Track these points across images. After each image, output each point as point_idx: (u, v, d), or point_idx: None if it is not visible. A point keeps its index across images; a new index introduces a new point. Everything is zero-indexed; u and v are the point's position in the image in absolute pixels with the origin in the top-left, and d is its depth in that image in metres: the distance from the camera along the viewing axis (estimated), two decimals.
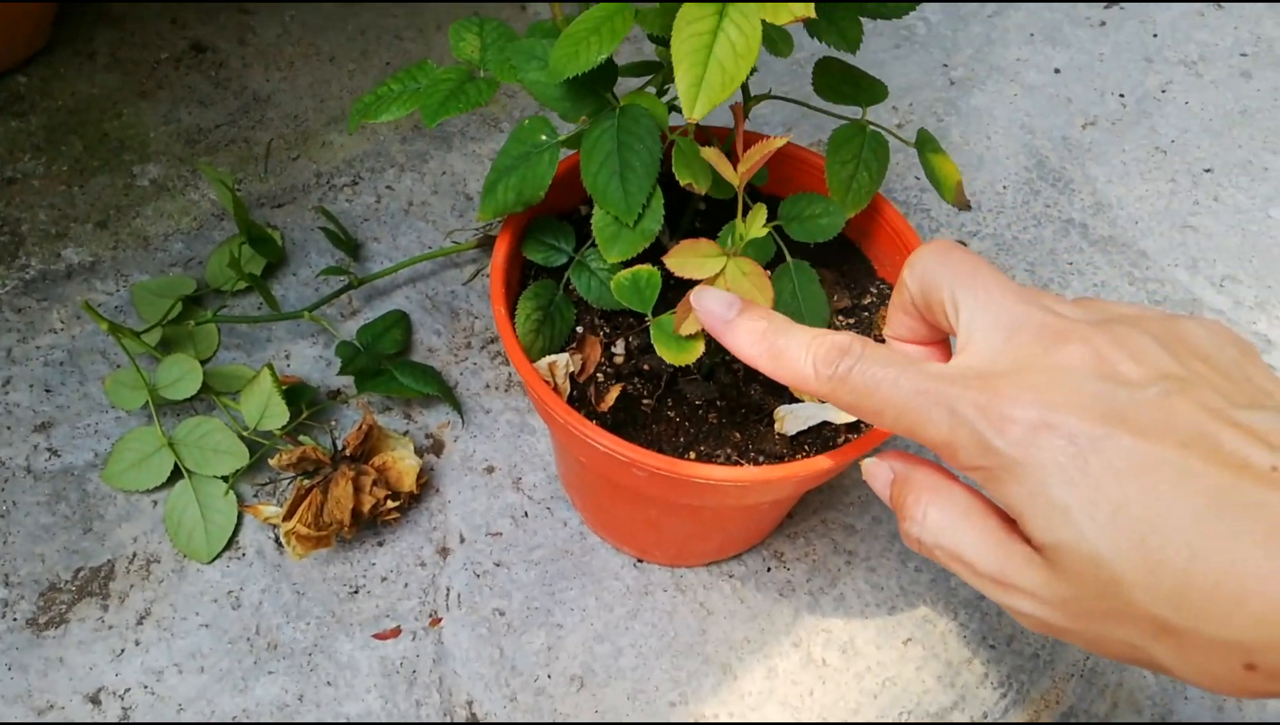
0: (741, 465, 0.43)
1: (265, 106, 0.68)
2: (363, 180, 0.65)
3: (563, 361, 0.43)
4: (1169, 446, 0.27)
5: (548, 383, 0.43)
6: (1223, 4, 0.81)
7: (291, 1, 0.75)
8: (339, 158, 0.66)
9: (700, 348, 0.40)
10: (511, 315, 0.44)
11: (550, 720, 0.47)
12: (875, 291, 0.49)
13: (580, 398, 0.44)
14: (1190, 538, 0.27)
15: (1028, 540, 0.30)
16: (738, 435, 0.44)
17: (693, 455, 0.43)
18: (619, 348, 0.46)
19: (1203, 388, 0.29)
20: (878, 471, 0.35)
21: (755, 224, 0.39)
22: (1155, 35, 0.78)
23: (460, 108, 0.44)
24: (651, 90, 0.45)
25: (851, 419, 0.44)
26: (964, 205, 0.48)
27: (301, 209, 0.64)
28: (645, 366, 0.45)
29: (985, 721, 0.48)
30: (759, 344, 0.36)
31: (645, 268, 0.42)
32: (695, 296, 0.38)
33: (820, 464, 0.40)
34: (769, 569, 0.52)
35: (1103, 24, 0.79)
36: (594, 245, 0.44)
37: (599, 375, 0.45)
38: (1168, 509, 0.27)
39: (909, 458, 0.35)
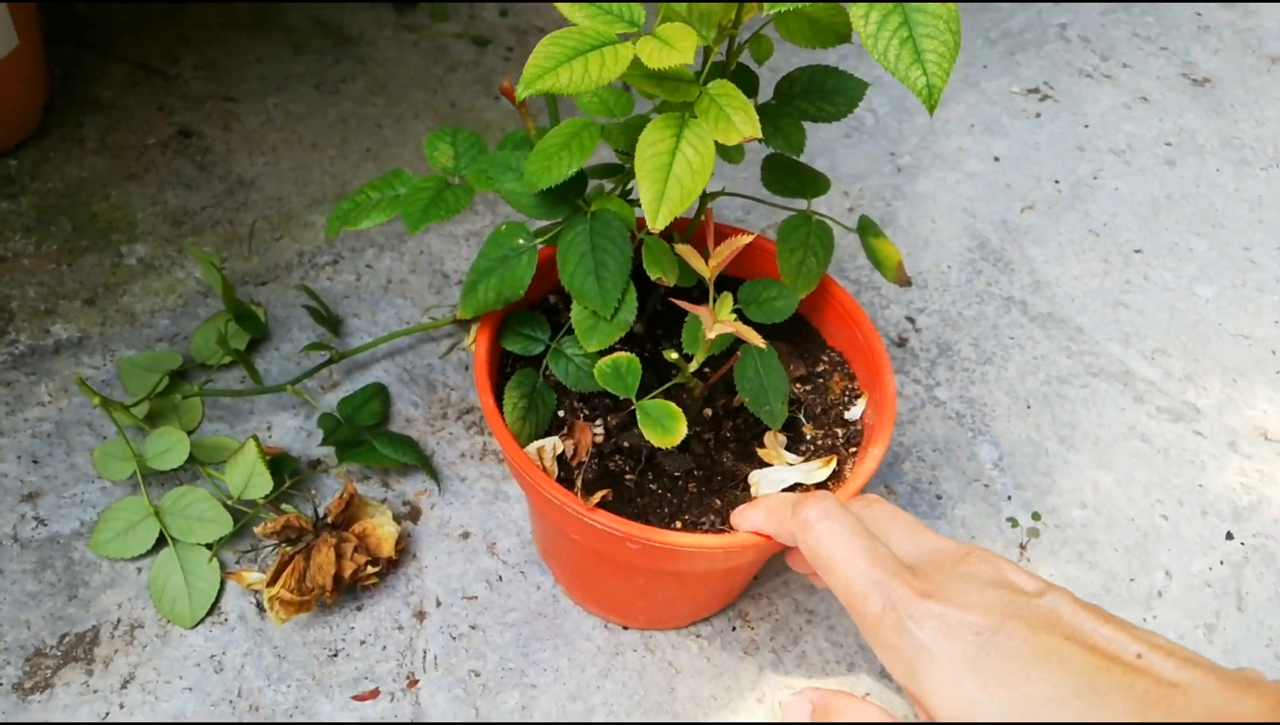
0: (725, 532, 0.46)
1: (249, 189, 0.72)
2: (343, 259, 0.69)
3: (550, 446, 0.46)
4: (1054, 639, 0.33)
5: (537, 466, 0.45)
6: (1148, 98, 0.87)
7: (275, 88, 0.79)
8: (320, 238, 0.69)
9: (683, 431, 0.43)
10: (499, 404, 0.47)
11: None
12: (827, 359, 0.53)
13: (567, 479, 0.47)
14: (1076, 712, 0.32)
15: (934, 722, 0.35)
16: (718, 502, 0.47)
17: (679, 524, 0.46)
18: (599, 427, 0.48)
19: (1081, 602, 0.35)
20: (797, 705, 0.41)
21: (724, 310, 0.43)
22: (1087, 126, 0.84)
23: (441, 215, 0.47)
24: (615, 190, 0.49)
25: (821, 478, 0.48)
26: (905, 282, 0.52)
27: (284, 287, 0.66)
28: (625, 443, 0.48)
29: None
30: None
31: (624, 355, 0.44)
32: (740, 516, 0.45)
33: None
34: (734, 628, 0.54)
35: (1038, 115, 0.85)
36: (569, 333, 0.47)
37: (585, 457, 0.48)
38: (1057, 689, 0.32)
39: (823, 690, 0.40)
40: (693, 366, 0.45)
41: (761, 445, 0.50)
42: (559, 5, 0.38)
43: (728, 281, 0.51)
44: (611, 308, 0.45)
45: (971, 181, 0.79)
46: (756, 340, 0.41)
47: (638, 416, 0.44)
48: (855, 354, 0.52)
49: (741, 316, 0.49)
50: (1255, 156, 0.83)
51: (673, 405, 0.44)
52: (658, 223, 0.39)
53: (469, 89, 0.81)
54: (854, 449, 0.50)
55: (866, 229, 0.51)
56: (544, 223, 0.46)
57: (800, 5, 0.36)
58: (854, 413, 0.51)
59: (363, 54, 0.82)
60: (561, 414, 0.49)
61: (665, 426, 0.43)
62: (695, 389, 0.47)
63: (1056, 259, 0.74)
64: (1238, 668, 0.34)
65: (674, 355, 0.45)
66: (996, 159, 0.81)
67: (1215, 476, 0.63)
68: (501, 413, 0.46)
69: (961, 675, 0.33)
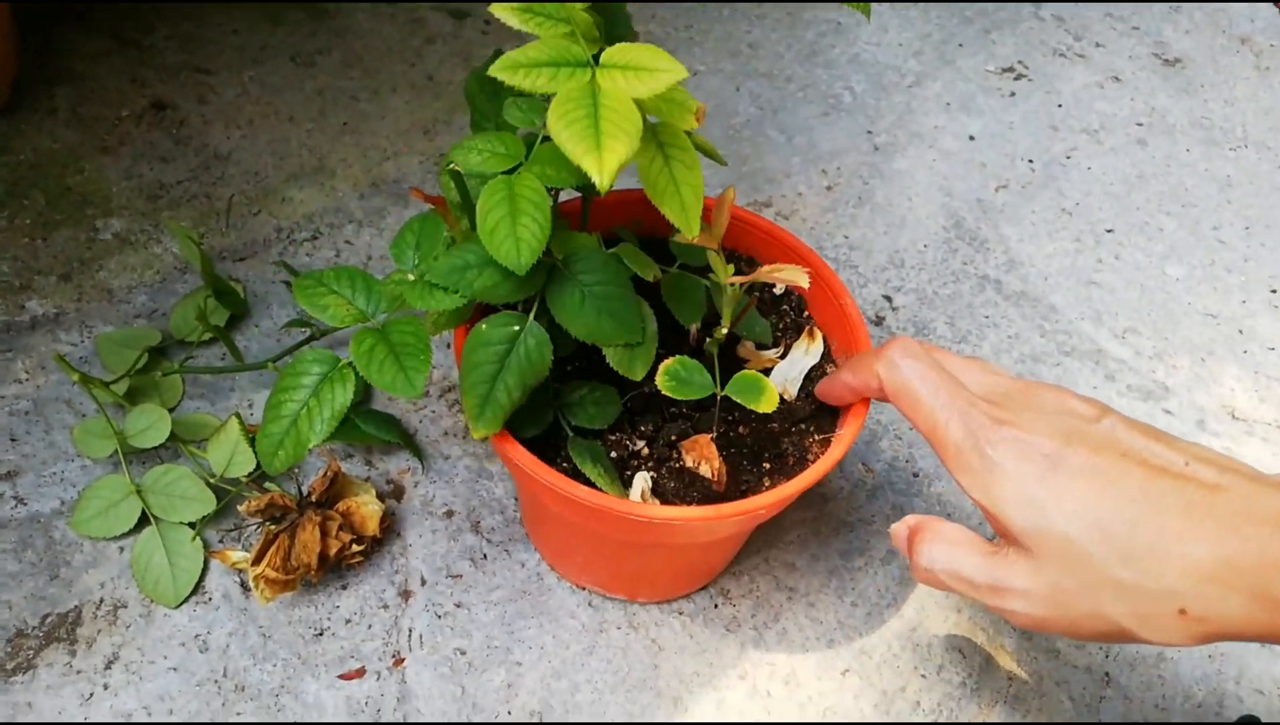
0: (824, 438, 0.49)
1: (225, 163, 0.71)
2: (322, 235, 0.68)
3: (644, 483, 0.46)
4: (1112, 457, 0.38)
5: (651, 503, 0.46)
6: (1120, 78, 0.88)
7: (250, 61, 0.78)
8: (299, 213, 0.69)
9: (773, 386, 0.45)
10: (585, 482, 0.45)
11: None
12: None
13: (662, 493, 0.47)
14: (1130, 515, 0.37)
15: (1007, 536, 0.39)
16: (774, 426, 0.49)
17: (767, 466, 0.48)
18: (640, 445, 0.48)
19: (1132, 422, 0.40)
20: (900, 529, 0.45)
21: (723, 271, 0.44)
22: (1060, 105, 0.85)
23: (424, 361, 0.43)
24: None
25: (820, 353, 0.51)
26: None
27: (263, 262, 0.66)
28: (673, 437, 0.48)
29: (953, 722, 0.52)
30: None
31: (671, 362, 0.45)
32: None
33: (823, 467, 0.46)
34: (716, 606, 0.55)
35: (1012, 95, 0.85)
36: (560, 382, 0.47)
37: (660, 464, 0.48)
38: (1115, 498, 0.37)
39: (919, 516, 0.44)
40: (725, 329, 0.46)
41: (744, 361, 0.51)
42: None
43: (660, 244, 0.52)
44: (639, 331, 0.44)
45: (947, 160, 0.79)
46: (802, 280, 0.42)
47: (736, 398, 0.45)
48: (735, 241, 0.54)
49: (686, 267, 0.50)
50: (1224, 136, 0.84)
51: (751, 373, 0.46)
52: (695, 230, 0.40)
53: (446, 61, 0.80)
54: (807, 313, 0.53)
55: (688, 136, 0.50)
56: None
57: None
58: (779, 288, 0.54)
59: (340, 26, 0.81)
60: (613, 455, 0.48)
61: (757, 392, 0.45)
62: (711, 350, 0.47)
63: (1030, 238, 0.75)
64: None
65: (723, 332, 0.46)
66: (972, 137, 0.81)
67: None
68: (597, 488, 0.45)
69: (1033, 489, 0.38)
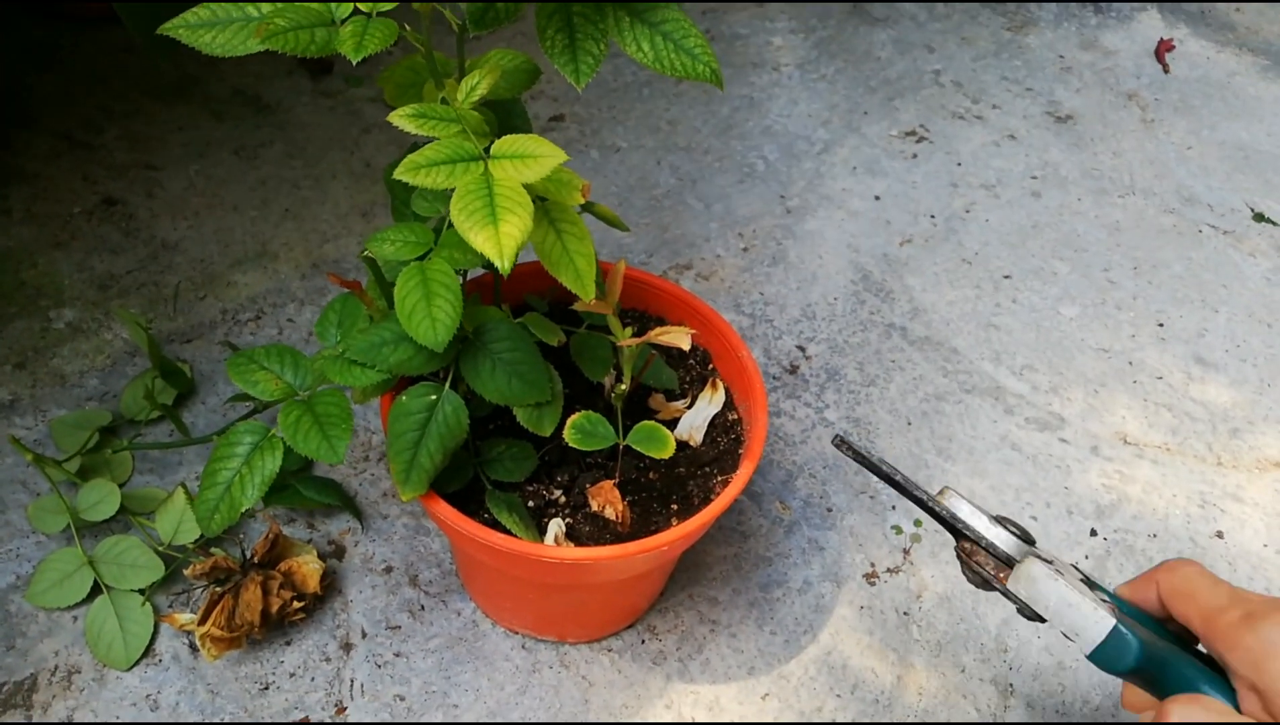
0: (724, 485, 0.52)
1: (173, 252, 0.75)
2: (265, 314, 0.72)
3: (558, 529, 0.50)
4: None
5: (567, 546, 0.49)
6: (1015, 136, 0.95)
7: (196, 155, 0.83)
8: (243, 296, 0.73)
9: (670, 435, 0.49)
10: (505, 531, 0.48)
11: None
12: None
13: (576, 535, 0.51)
14: None
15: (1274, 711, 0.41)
16: (681, 470, 0.53)
17: (675, 507, 0.52)
18: (557, 494, 0.52)
19: None
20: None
21: (619, 332, 0.48)
22: (959, 164, 0.91)
23: (346, 428, 0.46)
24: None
25: (720, 404, 0.55)
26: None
27: (209, 343, 0.70)
28: (588, 485, 0.52)
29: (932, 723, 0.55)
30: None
31: (578, 416, 0.49)
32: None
33: (716, 509, 0.50)
34: (643, 642, 0.59)
35: (915, 156, 0.92)
36: (477, 439, 0.51)
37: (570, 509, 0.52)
38: None
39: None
40: (625, 385, 0.50)
41: (655, 411, 0.55)
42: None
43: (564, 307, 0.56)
44: (547, 391, 0.48)
45: (855, 219, 0.85)
46: (684, 341, 0.47)
47: (636, 447, 0.49)
48: (645, 302, 0.59)
49: (594, 328, 0.54)
50: (1113, 186, 0.91)
51: (650, 423, 0.50)
52: (591, 294, 0.44)
53: (383, 149, 0.85)
54: (711, 366, 0.58)
55: (590, 206, 0.53)
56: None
57: None
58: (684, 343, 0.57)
59: (281, 120, 0.86)
60: (531, 504, 0.52)
61: (657, 441, 0.49)
62: (616, 403, 0.52)
63: (933, 287, 0.80)
64: None
65: (623, 387, 0.50)
66: (877, 197, 0.87)
67: (1080, 479, 0.69)
68: (514, 535, 0.48)
69: None
